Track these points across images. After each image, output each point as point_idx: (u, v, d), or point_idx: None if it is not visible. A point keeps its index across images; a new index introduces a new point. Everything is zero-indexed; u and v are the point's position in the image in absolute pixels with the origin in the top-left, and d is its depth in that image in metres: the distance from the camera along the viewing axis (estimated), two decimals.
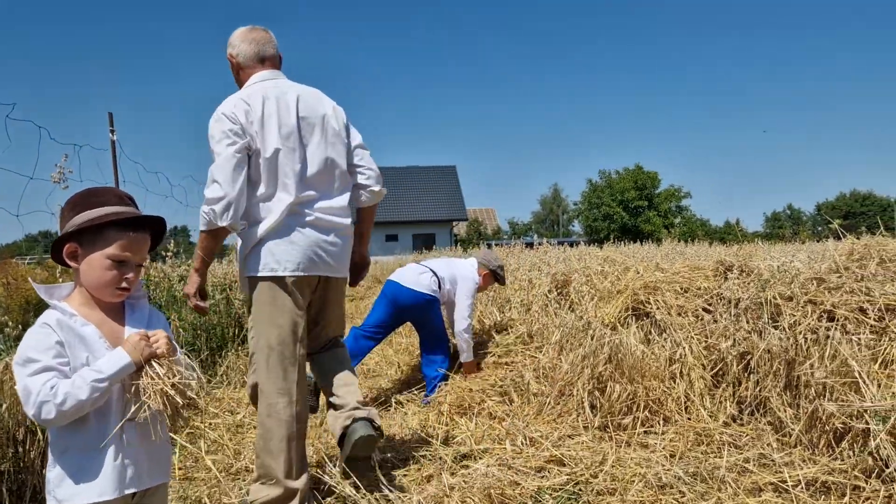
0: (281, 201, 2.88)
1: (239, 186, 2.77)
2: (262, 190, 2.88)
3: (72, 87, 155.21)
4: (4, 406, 2.96)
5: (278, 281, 2.88)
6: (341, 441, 3.03)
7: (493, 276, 5.44)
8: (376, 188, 3.27)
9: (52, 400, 1.53)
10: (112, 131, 4.97)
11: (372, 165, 3.27)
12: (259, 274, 2.88)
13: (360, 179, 3.24)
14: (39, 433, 3.04)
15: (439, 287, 5.06)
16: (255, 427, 3.77)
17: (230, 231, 2.85)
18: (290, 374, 2.88)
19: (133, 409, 1.63)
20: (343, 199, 3.10)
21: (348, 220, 3.14)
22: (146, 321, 1.83)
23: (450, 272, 5.16)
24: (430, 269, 5.08)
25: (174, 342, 1.76)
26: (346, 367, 3.27)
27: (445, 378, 4.99)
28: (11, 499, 2.89)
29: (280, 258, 2.87)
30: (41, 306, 1.74)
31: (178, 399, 1.63)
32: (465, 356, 5.08)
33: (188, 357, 1.81)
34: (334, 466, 2.92)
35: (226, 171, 2.75)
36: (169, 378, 1.63)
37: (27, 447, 3.05)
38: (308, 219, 2.94)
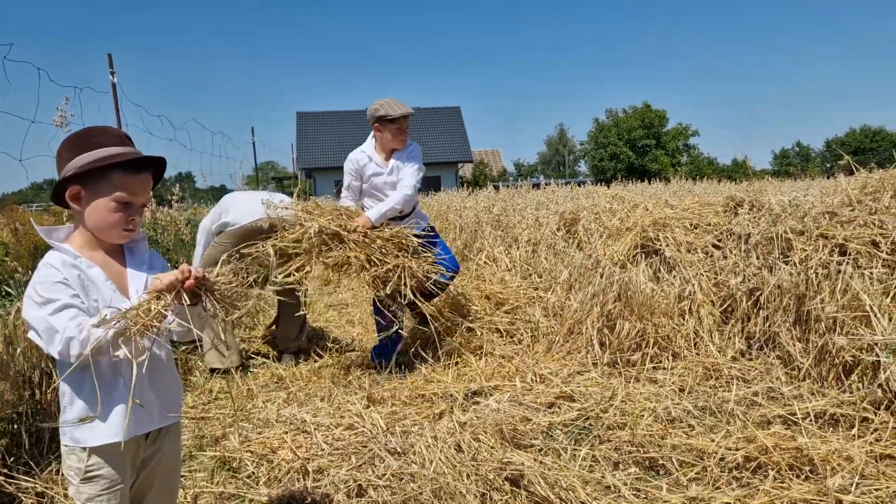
0: None
1: None
2: None
3: (70, 28, 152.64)
4: (19, 350, 2.98)
5: None
6: None
7: (379, 121, 4.19)
8: None
9: (77, 336, 1.52)
10: (112, 73, 4.87)
11: None
12: None
13: None
14: (55, 375, 3.07)
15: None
16: (263, 367, 4.44)
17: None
18: None
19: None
20: None
21: None
22: (147, 263, 1.81)
23: None
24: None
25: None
26: None
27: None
28: (31, 440, 2.94)
29: None
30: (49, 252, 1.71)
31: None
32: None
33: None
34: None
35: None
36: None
37: (43, 389, 3.09)
38: None
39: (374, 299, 4.19)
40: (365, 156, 4.25)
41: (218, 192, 16.67)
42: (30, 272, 3.85)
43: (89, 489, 1.67)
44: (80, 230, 1.71)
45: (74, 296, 1.60)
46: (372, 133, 4.27)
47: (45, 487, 2.68)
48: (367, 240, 3.80)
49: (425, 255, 4.05)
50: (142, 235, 1.85)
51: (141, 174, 1.71)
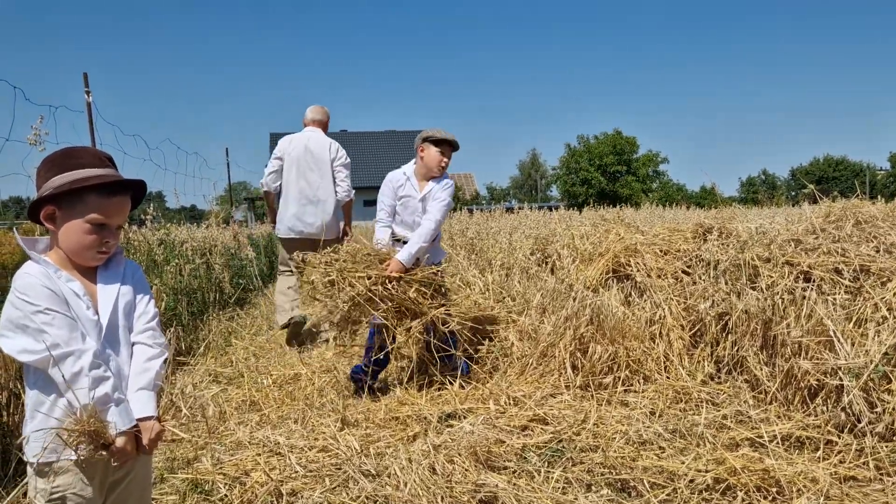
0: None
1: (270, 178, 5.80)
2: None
3: (46, 47, 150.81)
4: None
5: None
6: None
7: (426, 141, 4.29)
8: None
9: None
10: (87, 93, 4.85)
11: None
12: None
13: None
14: (23, 396, 3.02)
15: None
16: (237, 388, 4.42)
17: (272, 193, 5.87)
18: None
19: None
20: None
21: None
22: (121, 277, 1.79)
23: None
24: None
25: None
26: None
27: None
28: None
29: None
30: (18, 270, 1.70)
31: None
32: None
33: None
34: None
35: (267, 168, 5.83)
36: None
37: (10, 411, 3.03)
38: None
39: (370, 341, 4.16)
40: (404, 176, 4.32)
41: (188, 213, 16.55)
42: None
43: None
44: (56, 249, 1.71)
45: (61, 305, 1.60)
46: (416, 157, 4.35)
47: None
48: (400, 286, 3.87)
49: (452, 297, 4.15)
50: (118, 249, 1.84)
51: (117, 196, 1.71)
